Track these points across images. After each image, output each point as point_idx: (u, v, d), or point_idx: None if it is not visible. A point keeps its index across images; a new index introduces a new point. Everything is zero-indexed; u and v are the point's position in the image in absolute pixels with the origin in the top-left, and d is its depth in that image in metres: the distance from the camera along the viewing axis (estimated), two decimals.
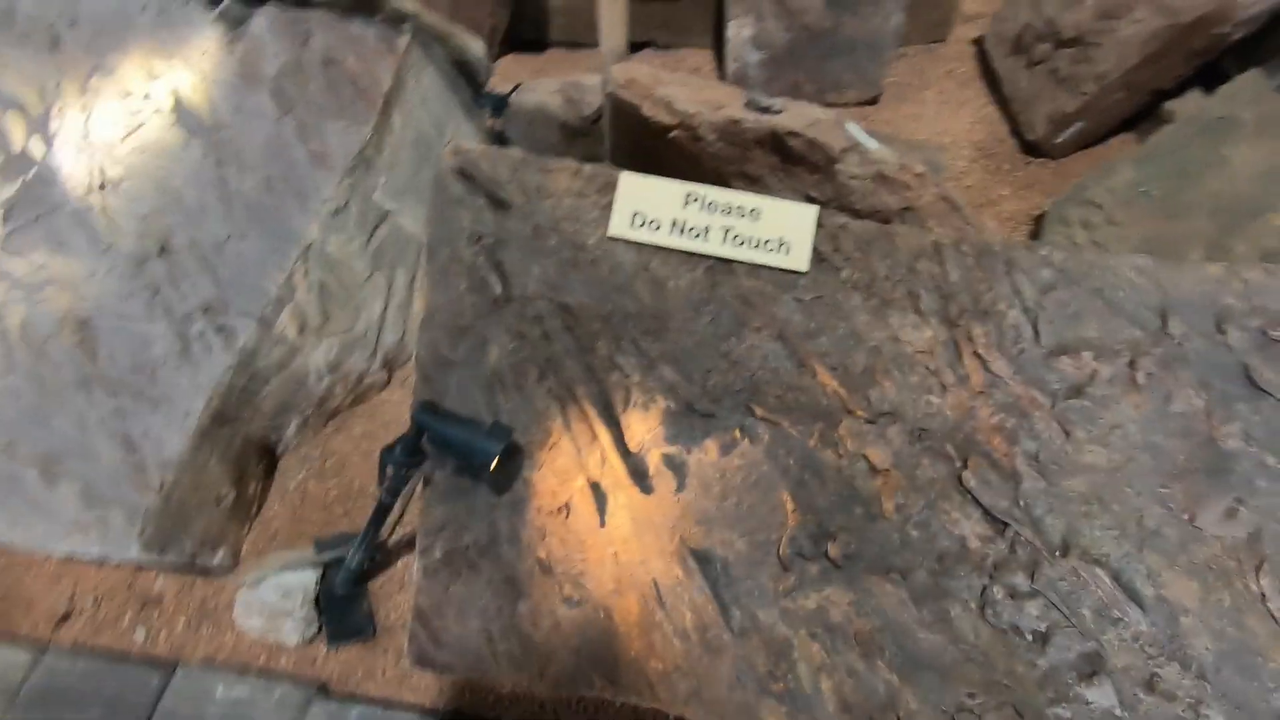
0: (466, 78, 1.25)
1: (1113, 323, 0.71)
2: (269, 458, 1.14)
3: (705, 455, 0.73)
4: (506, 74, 1.63)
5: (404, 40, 1.07)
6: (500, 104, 1.30)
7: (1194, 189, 1.06)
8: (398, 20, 1.07)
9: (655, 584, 0.71)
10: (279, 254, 0.97)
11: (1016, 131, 1.42)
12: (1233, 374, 0.69)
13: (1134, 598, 0.65)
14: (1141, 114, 1.32)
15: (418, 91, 1.12)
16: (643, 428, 0.75)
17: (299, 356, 1.05)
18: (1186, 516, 0.67)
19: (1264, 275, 0.70)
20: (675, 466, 0.73)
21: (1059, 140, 1.32)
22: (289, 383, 1.06)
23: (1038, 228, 1.29)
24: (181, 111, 1.03)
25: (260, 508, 1.13)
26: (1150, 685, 0.63)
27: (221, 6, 1.04)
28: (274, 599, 0.99)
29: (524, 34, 1.71)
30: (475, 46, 1.20)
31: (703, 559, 0.70)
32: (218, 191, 0.98)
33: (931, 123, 1.49)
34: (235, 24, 1.05)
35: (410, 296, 1.19)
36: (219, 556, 1.04)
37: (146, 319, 0.97)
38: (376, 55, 1.06)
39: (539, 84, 1.37)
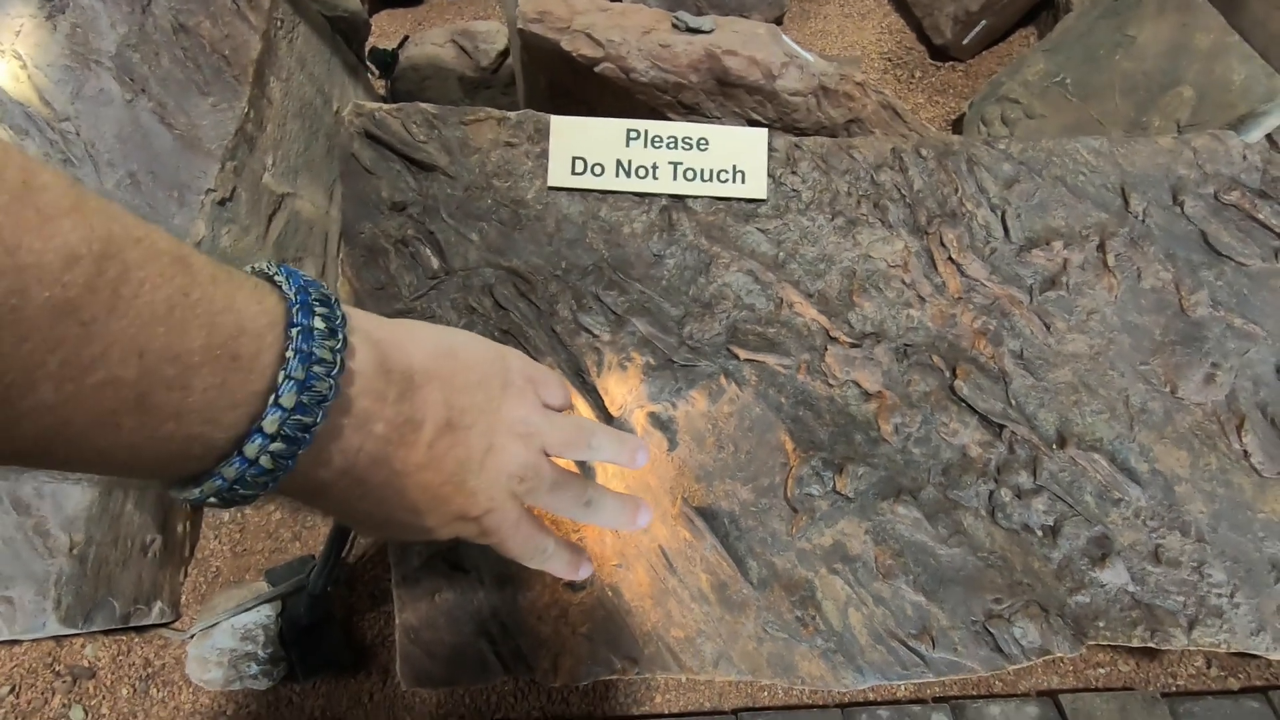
0: (344, 36, 1.11)
1: (1078, 208, 0.70)
2: None
3: (693, 407, 0.68)
4: (384, 30, 1.48)
5: None
6: (388, 62, 1.17)
7: (1105, 71, 1.08)
8: None
9: (662, 550, 0.66)
10: None
11: (923, 38, 1.41)
12: (1193, 242, 0.70)
13: (1131, 476, 0.66)
14: (1040, 6, 1.34)
15: (292, 55, 0.98)
16: (622, 389, 0.69)
17: None
18: (1169, 389, 0.68)
19: (1211, 141, 0.71)
20: (663, 425, 0.68)
21: (966, 41, 1.32)
22: None
23: (957, 131, 1.29)
24: (4, 107, 0.86)
25: (194, 548, 1.01)
26: (1156, 556, 0.64)
27: None
28: (232, 644, 0.89)
29: None
30: (350, 0, 1.06)
31: (709, 515, 0.66)
32: None
33: (838, 37, 1.46)
34: None
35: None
36: (155, 611, 0.92)
37: None
38: (237, 16, 0.92)
39: (426, 36, 1.24)
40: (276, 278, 0.29)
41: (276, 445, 0.26)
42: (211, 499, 0.27)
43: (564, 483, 0.42)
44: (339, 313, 0.29)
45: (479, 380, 0.36)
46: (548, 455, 0.40)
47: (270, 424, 0.26)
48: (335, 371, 0.28)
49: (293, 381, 0.26)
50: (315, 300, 0.28)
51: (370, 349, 0.31)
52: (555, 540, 0.43)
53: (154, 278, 0.23)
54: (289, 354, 0.26)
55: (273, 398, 0.26)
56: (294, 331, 0.27)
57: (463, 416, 0.35)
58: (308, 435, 0.27)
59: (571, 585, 0.67)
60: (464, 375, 0.36)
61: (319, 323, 0.27)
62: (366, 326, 0.32)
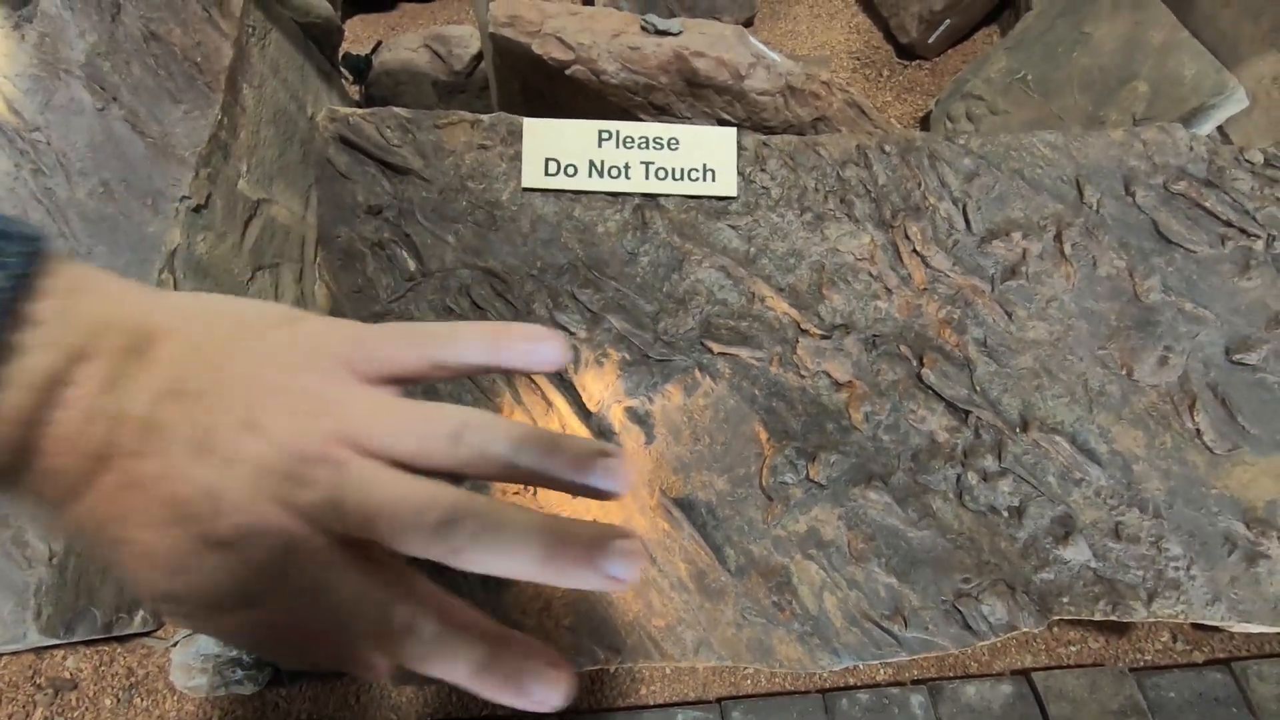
0: (317, 42, 1.11)
1: (1035, 200, 0.73)
2: None
3: (669, 401, 0.70)
4: (357, 36, 1.48)
5: (237, 2, 0.93)
6: (362, 67, 1.17)
7: (1064, 68, 1.11)
8: None
9: (642, 542, 0.68)
10: (138, 266, 0.83)
11: (890, 37, 1.44)
12: (1145, 231, 0.72)
13: (1091, 456, 0.69)
14: (1002, 4, 1.37)
15: (265, 61, 0.98)
16: (599, 385, 0.70)
17: None
18: (1125, 372, 0.70)
19: (1159, 133, 0.73)
20: (640, 419, 0.70)
21: (931, 40, 1.35)
22: None
23: (925, 129, 1.32)
24: None
25: None
26: (1116, 533, 0.67)
27: None
28: (216, 649, 0.89)
29: None
30: (321, 4, 1.06)
31: (686, 506, 0.68)
32: (44, 206, 0.82)
33: (807, 38, 1.49)
34: (20, 3, 0.87)
35: (301, 293, 1.07)
36: (138, 619, 0.92)
37: None
38: (208, 24, 0.92)
39: (400, 41, 1.25)
40: None
41: None
42: None
43: (397, 489, 0.23)
44: (18, 249, 0.22)
45: (245, 342, 0.25)
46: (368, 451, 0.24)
47: None
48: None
49: None
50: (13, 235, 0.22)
51: (72, 299, 0.23)
52: (430, 608, 0.25)
53: None
54: None
55: None
56: None
57: (199, 379, 0.23)
58: None
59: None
60: (221, 333, 0.25)
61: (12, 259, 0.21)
62: (81, 278, 0.24)
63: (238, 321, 0.25)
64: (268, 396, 0.23)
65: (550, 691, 0.24)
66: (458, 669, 0.24)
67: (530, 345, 0.27)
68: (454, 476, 0.25)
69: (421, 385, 0.28)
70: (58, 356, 0.22)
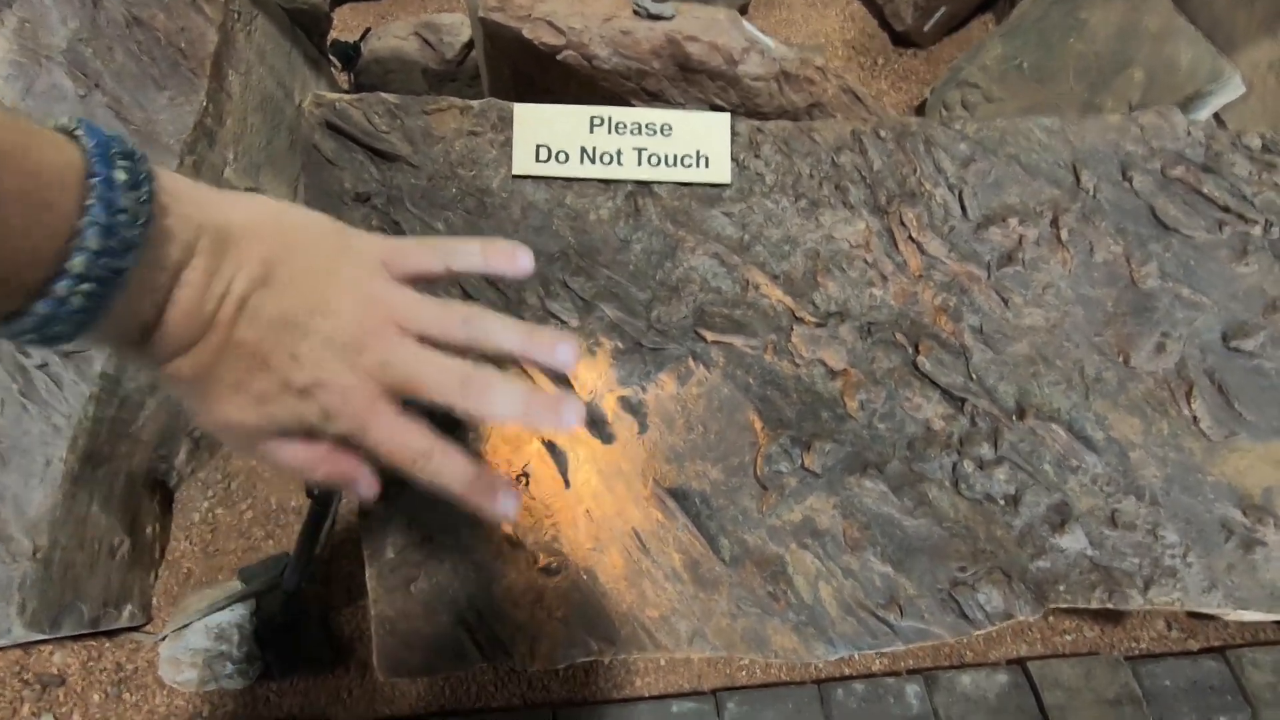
0: (304, 29, 1.09)
1: (1032, 185, 0.72)
2: (162, 492, 1.00)
3: (662, 390, 0.69)
4: (346, 24, 1.46)
5: None
6: (350, 55, 1.15)
7: (1059, 55, 1.10)
8: None
9: (635, 532, 0.67)
10: None
11: (885, 25, 1.43)
12: (1142, 216, 0.72)
13: (1087, 444, 0.68)
14: None
15: (251, 47, 0.97)
16: (592, 374, 0.69)
17: None
18: (1121, 358, 0.70)
19: (1157, 118, 0.73)
20: (633, 408, 0.69)
21: (926, 28, 1.34)
22: (168, 403, 0.92)
23: (920, 116, 1.31)
24: None
25: (164, 550, 1.00)
26: (1113, 520, 0.67)
27: None
28: (206, 643, 0.88)
29: None
30: None
31: (680, 496, 0.67)
32: None
33: (802, 26, 1.48)
34: None
35: None
36: (126, 614, 0.91)
37: None
38: (191, 9, 0.90)
39: (389, 28, 1.23)
40: (78, 132, 0.29)
41: (87, 286, 0.27)
42: (30, 335, 0.28)
43: (428, 355, 0.33)
44: (144, 167, 0.29)
45: (310, 242, 0.34)
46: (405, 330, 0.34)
47: (77, 265, 0.27)
48: (141, 221, 0.28)
49: (97, 226, 0.27)
50: (117, 154, 0.28)
51: (181, 203, 0.31)
52: (445, 445, 0.34)
53: None
54: (90, 200, 0.27)
55: (78, 240, 0.27)
56: (94, 180, 0.27)
57: (282, 271, 0.32)
58: (118, 278, 0.28)
59: (550, 569, 0.67)
60: (291, 235, 0.33)
61: (120, 174, 0.28)
62: (178, 185, 0.31)
63: (301, 226, 0.34)
64: (333, 287, 0.33)
65: (511, 502, 0.36)
66: (455, 481, 0.34)
67: (508, 254, 0.38)
68: (461, 351, 0.35)
69: (439, 285, 0.39)
70: (179, 249, 0.30)
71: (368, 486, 0.36)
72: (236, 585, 0.94)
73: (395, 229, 0.70)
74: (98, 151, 0.28)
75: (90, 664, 0.92)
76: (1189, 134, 0.74)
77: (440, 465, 0.34)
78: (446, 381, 0.33)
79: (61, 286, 0.27)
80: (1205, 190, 0.72)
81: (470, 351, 0.35)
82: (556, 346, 0.36)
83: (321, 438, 0.34)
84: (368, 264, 0.34)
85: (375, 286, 0.34)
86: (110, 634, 0.92)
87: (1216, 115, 1.04)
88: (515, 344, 0.35)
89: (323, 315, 0.32)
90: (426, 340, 0.34)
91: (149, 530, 0.97)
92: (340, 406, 0.32)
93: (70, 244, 0.27)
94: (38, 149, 0.27)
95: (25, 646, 0.91)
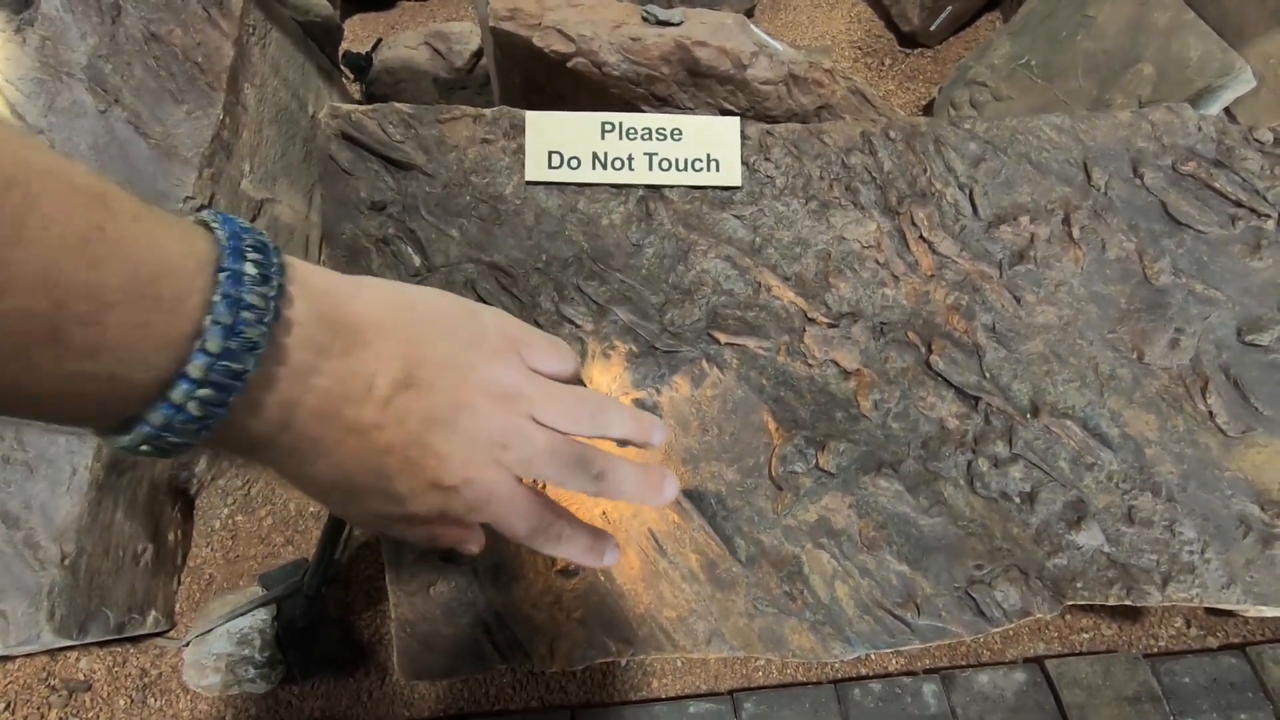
0: (317, 41, 1.11)
1: (1043, 184, 0.72)
2: (184, 499, 1.01)
3: (676, 392, 0.70)
4: (357, 35, 1.48)
5: (237, 1, 0.93)
6: (362, 65, 1.17)
7: (1068, 52, 1.10)
8: None
9: (652, 534, 0.68)
10: None
11: (892, 25, 1.43)
12: (1154, 213, 0.72)
13: (1103, 441, 0.68)
14: None
15: (266, 60, 0.98)
16: (606, 377, 0.70)
17: None
18: (1135, 355, 0.70)
19: (1167, 114, 0.73)
20: (648, 410, 0.69)
21: (933, 28, 1.34)
22: None
23: (928, 116, 1.31)
24: None
25: (186, 556, 1.01)
26: (1129, 517, 0.67)
27: None
28: (229, 648, 0.89)
29: None
30: (321, 3, 1.06)
31: (696, 497, 0.68)
32: None
33: (808, 28, 1.48)
34: (21, 6, 0.87)
35: None
36: (150, 620, 0.93)
37: None
38: (208, 23, 0.92)
39: (399, 39, 1.25)
40: (211, 223, 0.28)
41: (205, 392, 0.26)
42: (144, 446, 0.26)
43: (564, 450, 0.35)
44: (275, 260, 0.28)
45: (443, 334, 0.33)
46: (540, 424, 0.35)
47: (196, 369, 0.25)
48: (268, 318, 0.27)
49: (220, 326, 0.25)
50: (249, 246, 0.27)
51: (311, 299, 0.29)
52: (571, 521, 0.38)
53: (66, 209, 0.23)
54: (215, 297, 0.26)
55: (198, 342, 0.25)
56: (222, 275, 0.26)
57: (423, 371, 0.32)
58: (239, 383, 0.26)
59: (568, 571, 0.68)
60: (424, 329, 0.33)
61: (250, 268, 0.27)
62: (309, 277, 0.30)
63: (432, 317, 0.34)
64: (474, 382, 0.33)
65: (615, 554, 0.40)
66: (575, 553, 0.38)
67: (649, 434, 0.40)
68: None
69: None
70: (309, 349, 0.29)
71: (477, 544, 0.38)
72: (258, 590, 0.95)
73: (411, 237, 0.71)
74: (231, 244, 0.27)
75: (116, 670, 0.93)
76: (1200, 129, 0.74)
77: (568, 541, 0.38)
78: (582, 479, 0.36)
79: (178, 392, 0.25)
80: (1218, 185, 0.72)
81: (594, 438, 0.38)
82: (654, 432, 0.40)
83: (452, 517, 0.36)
84: (504, 356, 0.35)
85: (512, 378, 0.35)
86: (135, 640, 0.94)
87: (1228, 110, 1.04)
88: (628, 432, 0.38)
89: (469, 414, 0.33)
90: (557, 429, 0.36)
91: (171, 537, 0.98)
92: (485, 501, 0.34)
93: (190, 346, 0.25)
94: (165, 240, 0.25)
95: (52, 653, 0.92)
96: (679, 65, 0.79)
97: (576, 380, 0.39)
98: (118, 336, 0.24)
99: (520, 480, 0.35)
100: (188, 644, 0.92)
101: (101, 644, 0.92)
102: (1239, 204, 0.72)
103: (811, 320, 0.71)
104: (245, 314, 0.26)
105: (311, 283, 0.30)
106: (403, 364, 0.31)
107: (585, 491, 0.36)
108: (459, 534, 0.37)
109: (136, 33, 0.90)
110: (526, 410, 0.34)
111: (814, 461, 0.67)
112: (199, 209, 0.28)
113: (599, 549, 0.39)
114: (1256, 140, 0.73)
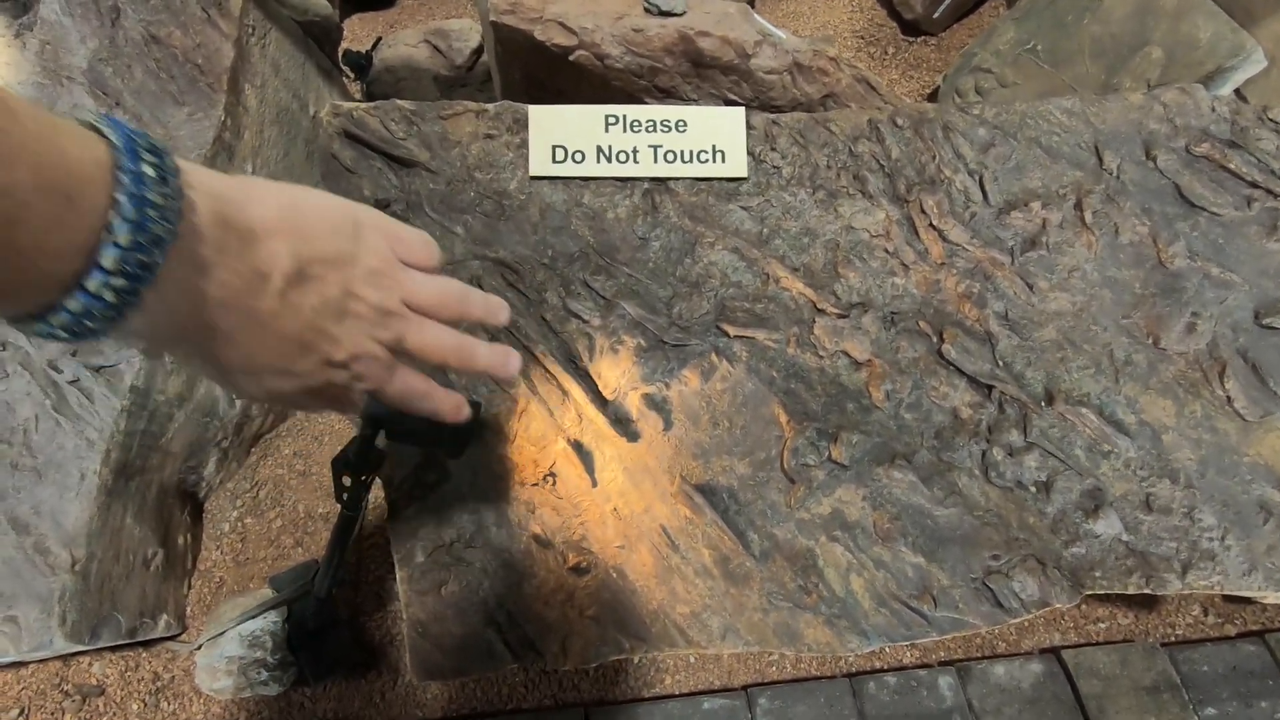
0: (316, 40, 1.10)
1: (1054, 168, 0.71)
2: (192, 502, 1.01)
3: (686, 386, 0.69)
4: (356, 34, 1.47)
5: (236, 2, 0.92)
6: (363, 64, 1.16)
7: (1074, 36, 1.09)
8: None
9: (664, 529, 0.67)
10: None
11: (894, 14, 1.42)
12: (1167, 195, 0.71)
13: (1119, 428, 0.67)
14: None
15: (266, 61, 0.98)
16: (615, 373, 0.69)
17: (202, 384, 0.92)
18: (1151, 340, 0.69)
19: (1180, 95, 0.72)
20: (657, 405, 0.69)
21: (936, 15, 1.33)
22: (197, 415, 0.93)
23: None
24: None
25: (196, 559, 1.01)
26: (1148, 505, 0.66)
27: None
28: (240, 651, 0.89)
29: None
30: (320, 3, 1.06)
31: (707, 492, 0.67)
32: None
33: (810, 17, 1.47)
34: (20, 10, 0.87)
35: None
36: (162, 624, 0.92)
37: None
38: (208, 25, 0.91)
39: (399, 37, 1.24)
40: (101, 126, 0.29)
41: (118, 281, 0.28)
42: (61, 332, 0.29)
43: (432, 328, 0.42)
44: (170, 162, 0.30)
45: (328, 232, 0.38)
46: (412, 307, 0.42)
47: (109, 260, 0.28)
48: (171, 216, 0.29)
49: (127, 222, 0.28)
50: (144, 148, 0.29)
51: (208, 201, 0.32)
52: (437, 387, 0.45)
53: None
54: (119, 196, 0.28)
55: (109, 236, 0.27)
56: (123, 176, 0.28)
57: (313, 267, 0.36)
58: (148, 274, 0.29)
59: (579, 569, 0.67)
60: (312, 228, 0.37)
61: (148, 170, 0.29)
62: (204, 181, 0.33)
63: (314, 215, 0.38)
64: (358, 272, 0.38)
65: (465, 408, 0.47)
66: (446, 410, 0.45)
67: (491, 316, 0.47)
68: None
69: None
70: (208, 246, 0.32)
71: (357, 408, 0.45)
72: (268, 593, 0.95)
73: None
74: (126, 147, 0.29)
75: (128, 674, 0.93)
76: (1214, 110, 0.73)
77: (434, 399, 0.44)
78: (447, 351, 0.43)
79: (93, 281, 0.28)
80: (1232, 166, 0.71)
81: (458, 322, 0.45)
82: (500, 311, 0.47)
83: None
84: (381, 250, 0.40)
85: (389, 270, 0.40)
86: (147, 644, 0.93)
87: (1238, 91, 1.02)
88: (483, 312, 0.46)
89: (354, 301, 0.38)
90: (425, 310, 0.42)
91: (181, 540, 0.98)
92: (368, 372, 0.40)
93: (100, 239, 0.28)
94: (65, 142, 0.27)
95: (64, 658, 0.92)
96: (682, 56, 0.79)
97: (440, 271, 0.44)
98: (34, 233, 0.26)
99: (394, 354, 0.41)
100: (199, 647, 0.91)
101: (113, 648, 0.92)
102: (1254, 185, 0.71)
103: (821, 311, 0.70)
104: (149, 211, 0.28)
105: (207, 186, 0.32)
106: (294, 260, 0.35)
107: (447, 360, 0.43)
108: (346, 401, 0.43)
109: (136, 35, 0.90)
110: (400, 295, 0.40)
111: (826, 454, 0.67)
112: (89, 123, 0.30)
113: (462, 406, 0.47)
114: (1271, 120, 0.72)
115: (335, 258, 0.38)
